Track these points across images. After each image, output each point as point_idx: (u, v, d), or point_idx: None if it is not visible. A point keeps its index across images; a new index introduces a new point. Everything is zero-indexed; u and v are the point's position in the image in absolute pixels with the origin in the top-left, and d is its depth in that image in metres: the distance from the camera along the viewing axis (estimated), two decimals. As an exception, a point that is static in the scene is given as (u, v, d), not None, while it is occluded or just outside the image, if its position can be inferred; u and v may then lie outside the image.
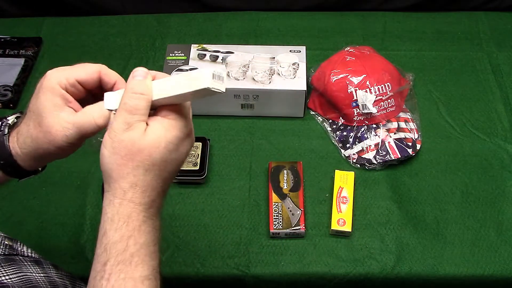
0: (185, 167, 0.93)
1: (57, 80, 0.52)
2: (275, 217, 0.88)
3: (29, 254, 0.59)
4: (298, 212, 0.89)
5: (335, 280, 0.86)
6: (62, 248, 0.87)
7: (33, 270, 0.56)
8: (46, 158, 0.55)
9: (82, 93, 0.54)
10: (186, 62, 1.02)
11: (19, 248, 0.58)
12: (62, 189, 0.95)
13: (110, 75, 0.54)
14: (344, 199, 0.91)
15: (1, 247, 0.56)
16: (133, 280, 0.47)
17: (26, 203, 0.93)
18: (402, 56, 1.14)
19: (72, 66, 0.54)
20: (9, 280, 0.51)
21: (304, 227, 0.88)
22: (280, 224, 0.88)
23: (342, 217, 0.89)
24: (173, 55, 1.03)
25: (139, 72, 0.51)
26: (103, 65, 0.55)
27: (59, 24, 1.22)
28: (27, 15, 1.24)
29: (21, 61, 1.14)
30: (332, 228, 0.88)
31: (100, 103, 0.53)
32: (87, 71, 0.53)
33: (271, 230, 0.88)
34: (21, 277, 0.53)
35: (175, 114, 0.51)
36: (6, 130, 0.54)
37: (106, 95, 0.53)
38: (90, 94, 0.55)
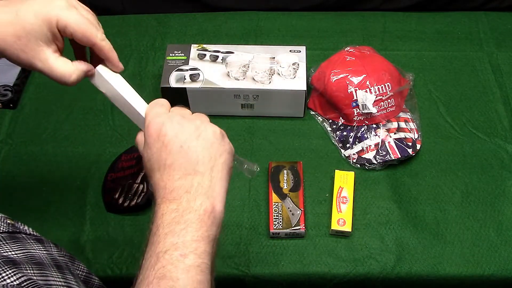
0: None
1: (56, 20, 0.54)
2: (275, 217, 0.88)
3: (31, 232, 0.60)
4: (298, 212, 0.89)
5: (335, 280, 0.86)
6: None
7: (36, 247, 0.57)
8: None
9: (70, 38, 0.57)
10: (186, 62, 1.02)
11: (21, 227, 0.59)
12: (62, 189, 0.95)
13: (102, 49, 0.58)
14: (344, 199, 0.91)
15: (4, 225, 0.57)
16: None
17: (26, 203, 0.93)
18: (402, 56, 1.14)
19: (83, 17, 0.56)
20: (15, 256, 0.52)
21: (304, 227, 0.88)
22: (280, 224, 0.88)
23: (342, 217, 0.89)
24: (173, 55, 1.03)
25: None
26: (101, 38, 0.58)
27: (59, 24, 1.22)
28: (27, 15, 1.24)
29: (21, 61, 1.14)
30: (332, 228, 0.88)
31: (80, 68, 0.58)
32: (84, 35, 0.56)
33: (271, 230, 0.88)
34: (26, 253, 0.54)
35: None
36: None
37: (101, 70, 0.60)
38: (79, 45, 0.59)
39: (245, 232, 0.90)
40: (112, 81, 0.60)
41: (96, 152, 0.99)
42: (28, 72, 1.12)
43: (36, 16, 0.54)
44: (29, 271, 0.50)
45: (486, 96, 1.07)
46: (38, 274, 0.51)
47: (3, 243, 0.53)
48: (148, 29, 1.21)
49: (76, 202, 0.93)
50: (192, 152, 0.54)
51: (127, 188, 0.91)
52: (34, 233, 0.60)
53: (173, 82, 0.99)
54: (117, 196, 0.91)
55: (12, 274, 0.47)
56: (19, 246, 0.54)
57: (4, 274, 0.46)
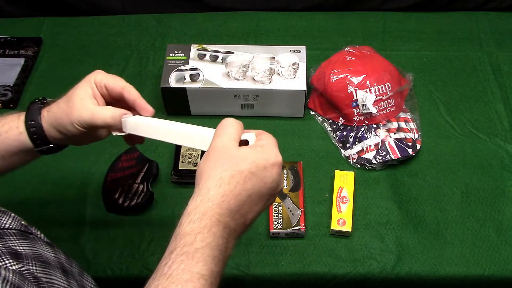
0: (185, 167, 0.93)
1: (93, 77, 0.65)
2: (275, 217, 0.88)
3: (42, 237, 0.61)
4: (298, 212, 0.89)
5: (335, 280, 0.86)
6: (62, 248, 0.87)
7: (45, 249, 0.58)
8: (64, 132, 0.65)
9: (107, 97, 0.66)
10: (186, 62, 1.02)
11: (34, 231, 0.60)
12: (62, 189, 0.95)
13: (130, 92, 0.65)
14: (344, 199, 0.91)
15: (17, 223, 0.58)
16: (190, 273, 0.49)
17: (26, 203, 0.93)
18: (402, 56, 1.14)
19: (109, 74, 0.66)
20: (22, 250, 0.53)
21: (304, 227, 0.88)
22: (280, 224, 0.88)
23: (342, 217, 0.89)
24: (173, 55, 1.03)
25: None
26: (129, 84, 0.66)
27: (59, 24, 1.22)
28: (27, 15, 1.24)
29: (21, 61, 1.14)
30: (332, 228, 0.88)
31: (117, 109, 0.65)
32: (114, 81, 0.65)
33: (271, 230, 0.88)
34: (34, 251, 0.55)
35: (267, 145, 0.58)
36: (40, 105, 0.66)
37: (123, 120, 0.65)
38: (117, 101, 0.67)
39: (245, 232, 0.90)
40: (153, 121, 0.65)
41: (96, 152, 0.99)
42: (28, 72, 1.12)
43: (79, 86, 0.65)
44: (31, 266, 0.51)
45: (486, 96, 1.07)
46: (41, 272, 0.52)
47: (13, 238, 0.54)
48: (148, 29, 1.21)
49: (76, 202, 0.93)
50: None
51: (127, 188, 0.91)
52: (45, 239, 0.61)
53: (173, 82, 0.99)
54: (117, 196, 0.91)
55: (11, 264, 0.48)
56: (28, 244, 0.55)
57: (2, 264, 0.47)
